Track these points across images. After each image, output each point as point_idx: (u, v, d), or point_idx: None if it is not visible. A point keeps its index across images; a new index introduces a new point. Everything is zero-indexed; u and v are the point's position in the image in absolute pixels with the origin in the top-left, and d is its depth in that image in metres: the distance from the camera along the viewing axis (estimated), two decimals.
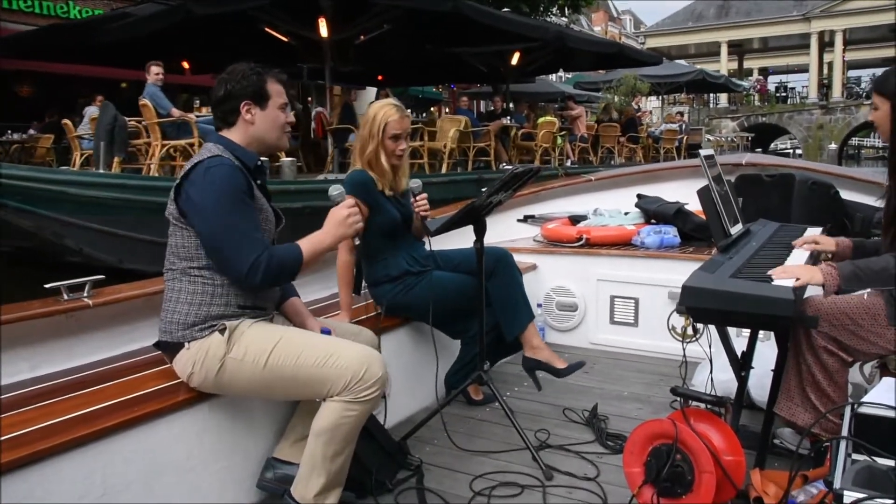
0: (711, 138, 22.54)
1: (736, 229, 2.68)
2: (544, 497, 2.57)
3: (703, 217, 3.69)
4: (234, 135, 2.34)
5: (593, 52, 13.86)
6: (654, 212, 4.61)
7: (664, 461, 2.17)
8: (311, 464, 2.28)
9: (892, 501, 1.37)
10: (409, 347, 3.32)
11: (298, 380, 2.26)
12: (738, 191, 3.47)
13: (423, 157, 10.18)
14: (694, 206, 4.23)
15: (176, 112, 8.35)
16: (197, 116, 8.65)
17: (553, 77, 26.77)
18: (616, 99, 21.01)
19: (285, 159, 8.54)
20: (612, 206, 4.87)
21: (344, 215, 2.35)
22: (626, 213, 4.73)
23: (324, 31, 9.47)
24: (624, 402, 3.49)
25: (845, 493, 1.42)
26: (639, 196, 4.84)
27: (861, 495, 1.40)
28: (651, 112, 24.23)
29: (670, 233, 4.34)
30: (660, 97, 26.74)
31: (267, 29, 9.73)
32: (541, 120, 13.18)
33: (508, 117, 12.71)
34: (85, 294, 2.63)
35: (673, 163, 7.22)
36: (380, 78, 15.76)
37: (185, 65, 12.33)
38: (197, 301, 2.27)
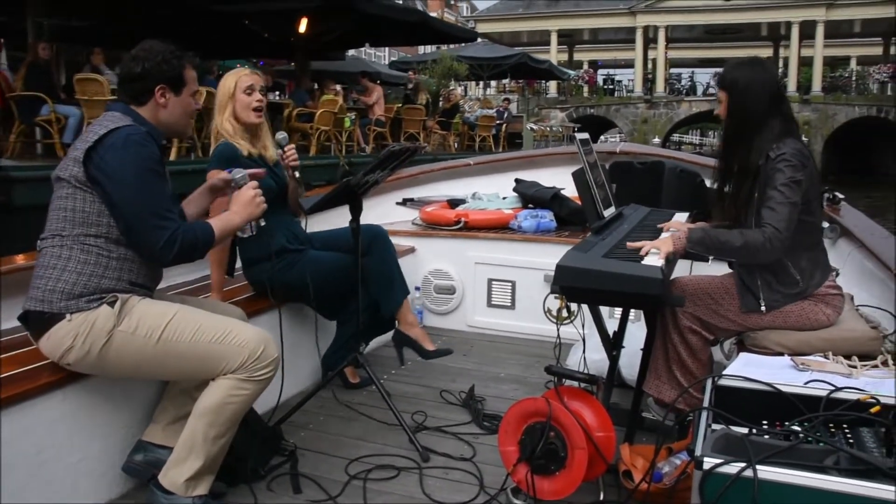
0: (535, 128, 21.51)
1: (609, 212, 2.75)
2: (421, 479, 2.56)
3: (579, 202, 3.78)
4: (142, 113, 2.24)
5: (396, 22, 12.13)
6: (531, 196, 4.68)
7: (538, 439, 2.20)
8: (189, 445, 2.19)
9: (745, 464, 1.44)
10: (285, 329, 3.21)
11: (194, 355, 2.17)
12: (611, 177, 3.56)
13: None
14: (570, 191, 4.34)
15: None
16: None
17: (378, 57, 24.99)
18: (432, 80, 19.30)
19: None
20: (490, 190, 4.91)
21: (251, 196, 2.37)
22: (504, 198, 4.79)
23: None
24: (501, 384, 3.53)
25: (705, 459, 1.48)
26: (517, 181, 4.90)
27: (718, 460, 1.46)
28: (479, 100, 23.34)
29: (546, 217, 4.42)
30: (484, 83, 25.53)
31: None
32: (322, 98, 11.13)
33: (277, 93, 10.95)
34: None
35: (551, 149, 7.39)
36: None
37: None
38: (87, 271, 2.12)
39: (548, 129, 23.21)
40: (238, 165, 2.87)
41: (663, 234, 2.63)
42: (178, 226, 2.15)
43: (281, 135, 3.07)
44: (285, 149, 3.04)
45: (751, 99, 2.44)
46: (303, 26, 11.35)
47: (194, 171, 7.26)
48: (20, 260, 2.67)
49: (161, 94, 2.23)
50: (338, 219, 3.15)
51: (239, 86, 2.97)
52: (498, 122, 16.76)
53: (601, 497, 2.34)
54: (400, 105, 14.11)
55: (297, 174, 3.09)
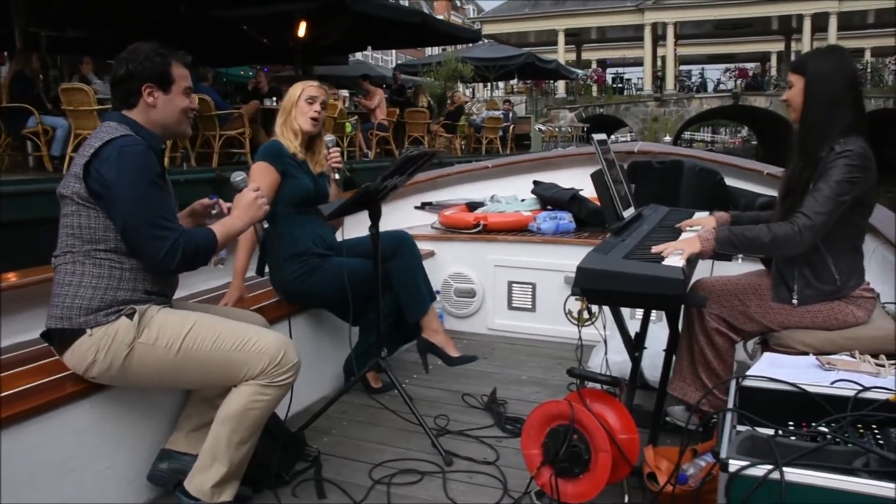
0: (543, 129, 21.20)
1: (628, 213, 2.74)
2: (444, 483, 2.56)
3: (598, 203, 3.77)
4: (135, 117, 2.23)
5: (398, 24, 11.64)
6: (549, 198, 4.67)
7: (561, 442, 2.19)
8: (213, 452, 2.21)
9: (772, 466, 1.42)
10: (308, 335, 3.24)
11: (214, 364, 2.19)
12: (630, 177, 3.55)
13: None
14: (589, 192, 4.32)
15: None
16: None
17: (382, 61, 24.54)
18: (437, 82, 19.16)
19: None
20: (508, 192, 4.91)
21: (252, 198, 2.35)
22: (522, 200, 4.78)
23: None
24: (522, 386, 3.53)
25: (730, 461, 1.46)
26: (535, 183, 4.90)
27: (745, 463, 1.45)
28: (485, 101, 22.33)
29: (566, 218, 4.41)
30: (491, 84, 25.03)
31: None
32: None
33: (275, 98, 10.28)
34: None
35: (568, 150, 7.33)
36: None
37: None
38: (103, 285, 2.14)
39: (556, 129, 22.89)
40: (282, 162, 3.02)
41: (685, 234, 2.62)
42: (178, 234, 2.13)
43: (328, 137, 3.22)
44: (330, 151, 3.17)
45: (829, 87, 2.38)
46: (301, 30, 11.08)
47: (187, 182, 7.26)
48: (12, 277, 2.65)
49: (149, 93, 2.21)
50: (364, 225, 3.15)
51: (303, 95, 3.13)
52: (505, 124, 16.46)
53: (626, 499, 2.33)
54: (395, 108, 13.52)
55: (336, 176, 3.21)
